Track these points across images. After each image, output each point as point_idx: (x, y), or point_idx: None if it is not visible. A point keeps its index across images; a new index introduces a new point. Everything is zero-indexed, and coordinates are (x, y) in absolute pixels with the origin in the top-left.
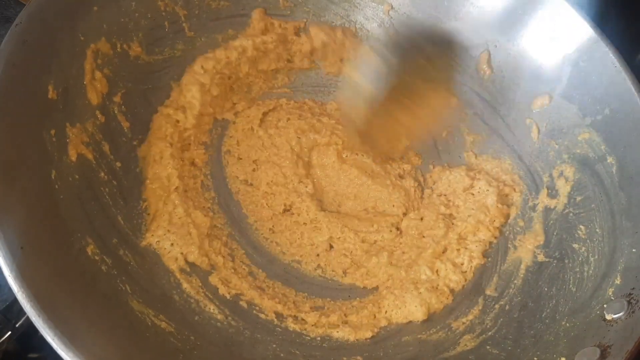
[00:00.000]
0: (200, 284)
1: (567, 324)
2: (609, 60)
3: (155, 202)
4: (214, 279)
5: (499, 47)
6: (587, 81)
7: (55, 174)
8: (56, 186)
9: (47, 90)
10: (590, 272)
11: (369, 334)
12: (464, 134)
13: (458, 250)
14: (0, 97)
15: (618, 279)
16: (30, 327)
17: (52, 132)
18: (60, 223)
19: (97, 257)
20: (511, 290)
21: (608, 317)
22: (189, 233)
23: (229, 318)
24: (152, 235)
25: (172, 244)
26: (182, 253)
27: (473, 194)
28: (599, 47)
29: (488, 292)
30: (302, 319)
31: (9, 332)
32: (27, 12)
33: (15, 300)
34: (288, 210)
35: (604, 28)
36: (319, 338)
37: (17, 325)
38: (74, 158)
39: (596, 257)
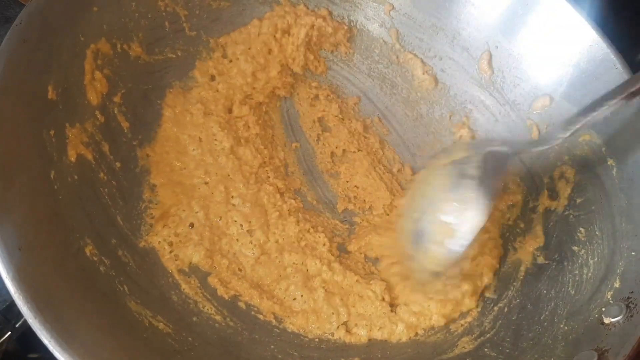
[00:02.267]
0: (199, 285)
1: (566, 327)
2: (610, 62)
3: (169, 206)
4: (212, 280)
5: (499, 48)
6: (588, 82)
7: (54, 174)
8: (55, 186)
9: (46, 90)
10: (590, 274)
11: (365, 339)
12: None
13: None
14: (0, 96)
15: (617, 282)
16: (30, 327)
17: (52, 132)
18: (59, 223)
19: (95, 258)
20: (510, 292)
21: (606, 320)
22: (201, 235)
23: (227, 319)
24: (157, 235)
25: (176, 245)
26: (186, 254)
27: None
28: (600, 48)
29: (487, 294)
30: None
31: (9, 332)
32: (28, 11)
33: None
34: None
35: (605, 28)
36: (317, 339)
37: (17, 326)
38: (73, 158)
39: (595, 259)
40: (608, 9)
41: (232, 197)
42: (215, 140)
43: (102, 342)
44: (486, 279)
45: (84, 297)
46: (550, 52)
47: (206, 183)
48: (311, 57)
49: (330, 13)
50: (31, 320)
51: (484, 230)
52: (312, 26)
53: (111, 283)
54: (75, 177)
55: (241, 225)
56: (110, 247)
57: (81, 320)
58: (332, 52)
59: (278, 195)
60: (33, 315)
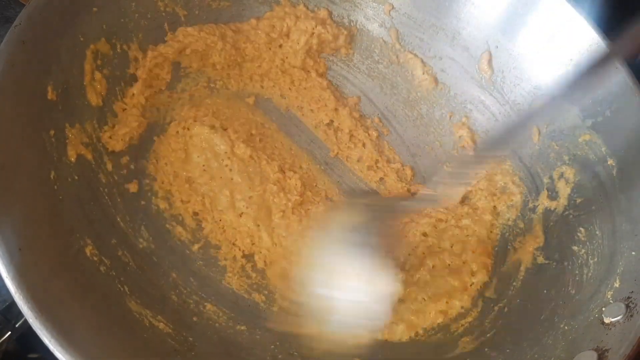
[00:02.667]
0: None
1: (566, 327)
2: (610, 62)
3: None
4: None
5: (500, 48)
6: (588, 82)
7: (54, 174)
8: (55, 187)
9: (46, 91)
10: (590, 274)
11: (366, 339)
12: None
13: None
14: (0, 97)
15: (617, 282)
16: (30, 327)
17: (52, 132)
18: (59, 223)
19: (95, 258)
20: (510, 292)
21: (606, 320)
22: None
23: (228, 319)
24: None
25: None
26: None
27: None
28: (600, 48)
29: (487, 294)
30: None
31: (9, 332)
32: (27, 12)
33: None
34: None
35: (605, 28)
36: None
37: (17, 326)
38: (73, 158)
39: (596, 259)
40: (608, 8)
41: (237, 199)
42: (217, 144)
43: (102, 342)
44: (480, 276)
45: (84, 297)
46: (551, 52)
47: (210, 187)
48: (311, 62)
49: (330, 13)
50: (32, 320)
51: (469, 232)
52: (312, 34)
53: (111, 283)
54: (76, 177)
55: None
56: (110, 248)
57: (81, 320)
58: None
59: (282, 194)
60: (34, 316)
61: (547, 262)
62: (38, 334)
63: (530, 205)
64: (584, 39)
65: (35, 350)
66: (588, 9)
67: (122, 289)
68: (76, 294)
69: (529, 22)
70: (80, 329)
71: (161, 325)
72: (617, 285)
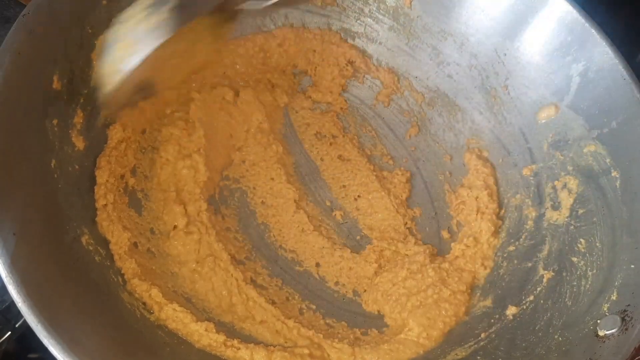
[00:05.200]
0: None
1: (560, 338)
2: (618, 73)
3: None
4: None
5: (508, 55)
6: (595, 93)
7: (55, 162)
8: (55, 175)
9: (52, 81)
10: (587, 286)
11: None
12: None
13: None
14: (5, 85)
15: (614, 294)
16: (30, 327)
17: (55, 121)
18: (57, 211)
19: (91, 247)
20: (507, 301)
21: (601, 333)
22: None
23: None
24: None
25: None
26: None
27: None
28: (609, 58)
29: (483, 303)
30: None
31: (9, 333)
32: (36, 3)
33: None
34: None
35: (605, 28)
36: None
37: (16, 326)
38: (82, 147)
39: (594, 271)
40: (608, 9)
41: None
42: None
43: (91, 330)
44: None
45: (77, 286)
46: (558, 61)
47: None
48: None
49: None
50: (20, 304)
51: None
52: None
53: (105, 273)
54: (76, 167)
55: None
56: (106, 238)
57: (72, 308)
58: None
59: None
60: (22, 300)
61: (545, 272)
62: (25, 317)
63: (532, 214)
64: (593, 49)
65: (35, 351)
66: (588, 8)
67: (115, 279)
68: (69, 281)
69: (538, 31)
70: (70, 317)
71: (152, 317)
72: (614, 297)
